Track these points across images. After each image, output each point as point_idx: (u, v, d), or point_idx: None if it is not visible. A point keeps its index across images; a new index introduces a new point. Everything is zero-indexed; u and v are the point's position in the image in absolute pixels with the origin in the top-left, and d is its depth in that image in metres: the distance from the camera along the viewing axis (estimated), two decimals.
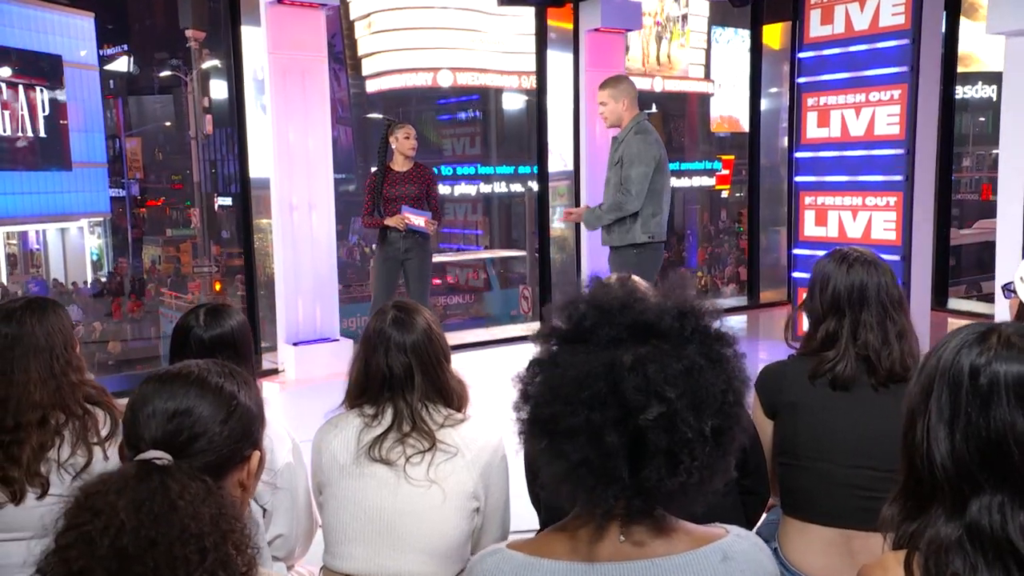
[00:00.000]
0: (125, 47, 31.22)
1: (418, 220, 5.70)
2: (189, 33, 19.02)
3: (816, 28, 7.09)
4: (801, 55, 7.22)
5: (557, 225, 8.72)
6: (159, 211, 31.70)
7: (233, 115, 7.05)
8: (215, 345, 2.38)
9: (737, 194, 28.68)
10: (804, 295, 2.40)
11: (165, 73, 24.41)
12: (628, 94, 5.14)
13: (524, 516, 2.48)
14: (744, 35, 25.44)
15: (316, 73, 6.89)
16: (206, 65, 20.76)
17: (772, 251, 12.21)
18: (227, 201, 28.61)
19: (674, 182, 9.00)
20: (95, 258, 27.80)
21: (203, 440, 1.38)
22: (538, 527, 2.58)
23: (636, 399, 1.23)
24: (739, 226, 26.94)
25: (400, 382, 2.24)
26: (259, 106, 7.42)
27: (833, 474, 2.20)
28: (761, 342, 8.82)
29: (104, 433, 2.38)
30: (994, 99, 24.42)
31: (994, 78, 23.14)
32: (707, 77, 25.48)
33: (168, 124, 29.01)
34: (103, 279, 24.50)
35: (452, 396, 2.31)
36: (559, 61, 8.46)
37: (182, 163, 28.12)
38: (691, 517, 1.37)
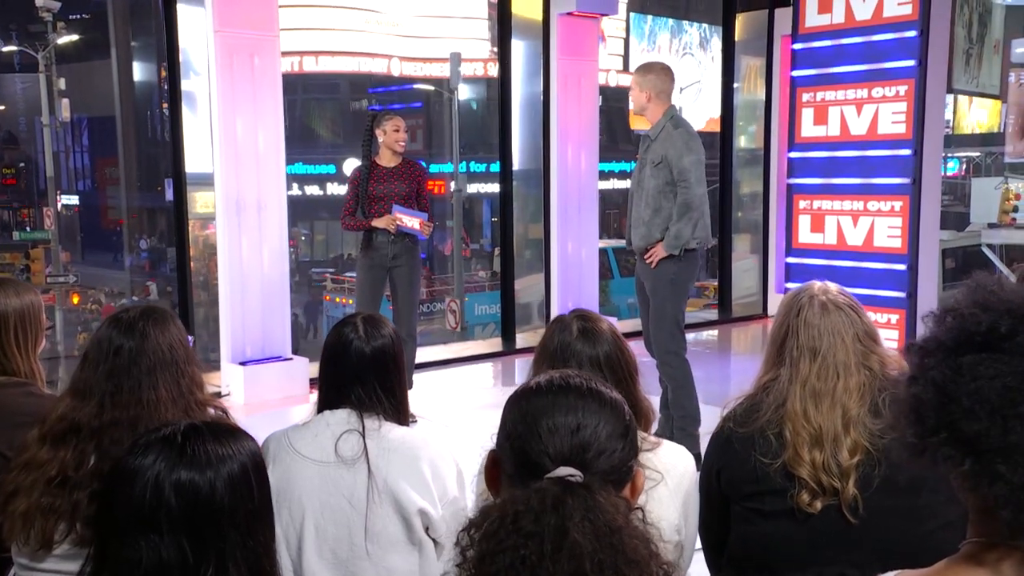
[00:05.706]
0: None
1: (412, 222, 5.58)
2: (40, 2, 18.17)
3: (812, 17, 7.29)
4: (796, 46, 7.42)
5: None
6: None
7: (161, 99, 6.84)
8: (377, 358, 2.37)
9: None
10: None
11: (8, 48, 23.33)
12: (655, 87, 5.17)
13: None
14: (668, 23, 26.17)
15: (268, 54, 6.78)
16: (62, 41, 19.93)
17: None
18: (73, 200, 27.64)
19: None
20: None
21: (608, 456, 1.37)
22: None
23: None
24: None
25: None
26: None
27: None
28: (734, 358, 9.09)
29: None
30: None
31: None
32: (625, 69, 25.99)
33: (2, 108, 27.73)
34: None
35: (642, 416, 2.32)
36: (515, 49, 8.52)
37: (22, 154, 26.88)
38: None
